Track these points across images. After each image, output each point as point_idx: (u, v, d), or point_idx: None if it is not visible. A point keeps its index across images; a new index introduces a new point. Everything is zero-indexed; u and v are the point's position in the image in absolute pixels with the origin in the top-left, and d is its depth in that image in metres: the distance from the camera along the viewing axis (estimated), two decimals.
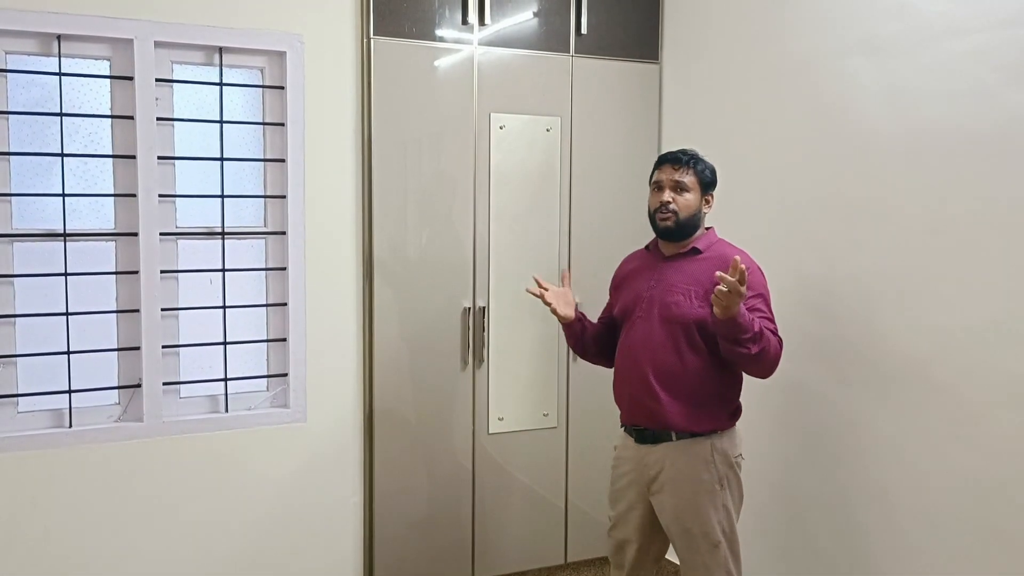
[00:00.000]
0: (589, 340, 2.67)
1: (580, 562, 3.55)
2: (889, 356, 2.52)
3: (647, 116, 3.53)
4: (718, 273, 2.11)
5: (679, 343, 2.39)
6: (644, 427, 2.47)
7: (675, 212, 2.42)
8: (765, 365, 2.31)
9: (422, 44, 3.12)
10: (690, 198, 2.43)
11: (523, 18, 3.29)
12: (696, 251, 2.45)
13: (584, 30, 3.37)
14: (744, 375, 2.47)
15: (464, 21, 3.18)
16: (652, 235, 2.57)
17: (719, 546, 2.40)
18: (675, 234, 2.46)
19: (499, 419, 3.36)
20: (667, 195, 2.43)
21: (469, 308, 3.27)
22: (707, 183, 2.46)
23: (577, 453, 3.50)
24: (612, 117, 3.47)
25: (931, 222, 2.38)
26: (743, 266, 2.09)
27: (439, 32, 3.15)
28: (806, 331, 2.80)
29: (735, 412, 2.48)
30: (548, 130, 3.36)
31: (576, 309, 2.65)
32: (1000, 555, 2.23)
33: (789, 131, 2.89)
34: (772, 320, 2.38)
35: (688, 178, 2.43)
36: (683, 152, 2.47)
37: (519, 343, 3.37)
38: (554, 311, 2.59)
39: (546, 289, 2.61)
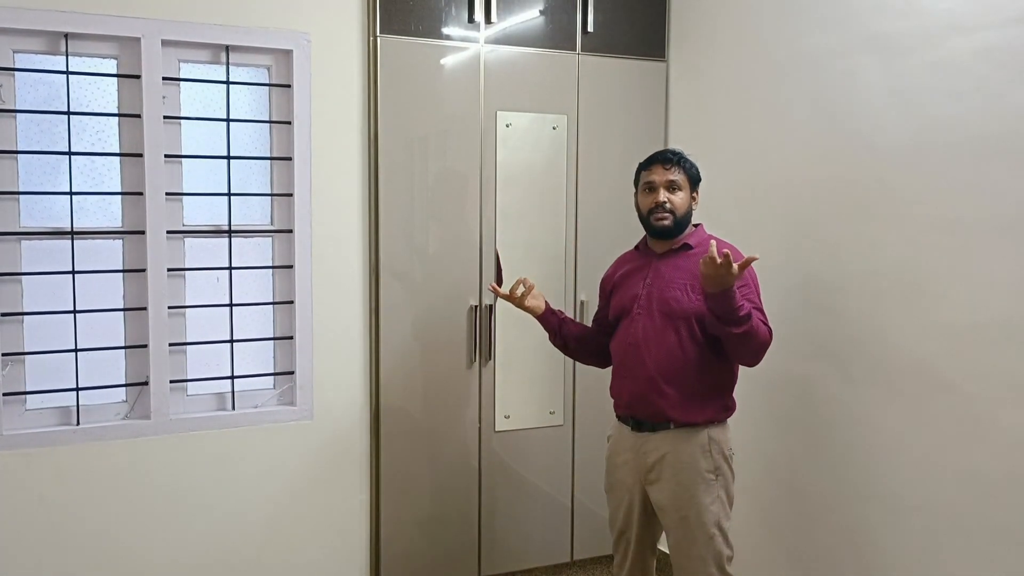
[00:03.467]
0: (569, 337, 2.75)
1: (586, 560, 3.56)
2: (896, 354, 2.52)
3: (654, 114, 3.53)
4: (712, 248, 2.15)
5: (681, 336, 2.43)
6: (643, 419, 2.50)
7: (672, 212, 2.48)
8: (753, 348, 2.33)
9: (428, 42, 3.12)
10: (683, 196, 2.50)
11: (529, 16, 3.28)
12: (688, 247, 2.51)
13: (591, 28, 3.37)
14: (740, 369, 2.53)
15: (471, 19, 3.18)
16: None
17: (714, 538, 2.42)
18: (672, 232, 2.51)
19: (505, 417, 3.36)
20: (663, 195, 2.49)
21: (475, 306, 3.27)
22: (695, 180, 2.55)
23: (583, 451, 3.50)
24: (619, 115, 3.46)
25: (937, 220, 2.38)
26: (726, 251, 2.12)
27: (445, 30, 3.15)
28: (813, 329, 2.80)
29: (729, 406, 2.53)
30: (554, 128, 3.36)
31: (547, 304, 2.76)
32: (1007, 553, 2.22)
33: (795, 129, 2.88)
34: (761, 310, 2.41)
35: (679, 176, 2.50)
36: (671, 152, 2.55)
37: (525, 341, 3.37)
38: (522, 306, 2.70)
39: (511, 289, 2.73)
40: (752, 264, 2.39)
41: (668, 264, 2.51)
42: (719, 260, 2.11)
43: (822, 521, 2.79)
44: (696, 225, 2.58)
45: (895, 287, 2.51)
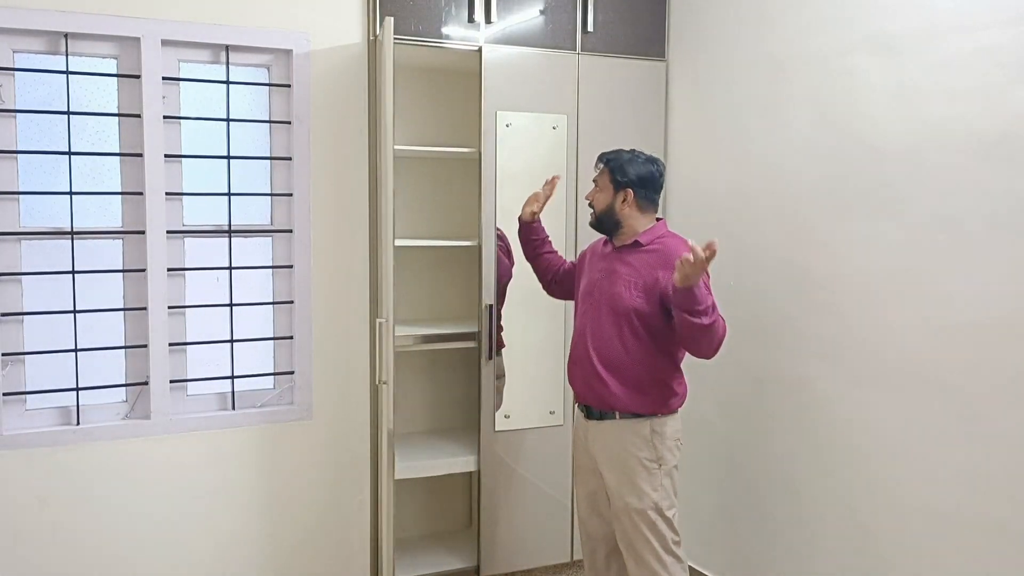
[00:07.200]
0: (542, 258, 2.88)
1: None
2: (894, 354, 2.51)
3: (654, 114, 3.52)
4: (691, 243, 2.18)
5: (622, 331, 2.52)
6: (591, 407, 2.60)
7: (592, 208, 2.66)
8: (712, 340, 2.37)
9: (428, 42, 3.12)
10: (600, 196, 2.63)
11: (529, 16, 3.28)
12: (638, 244, 2.58)
13: (591, 27, 3.36)
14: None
15: (471, 19, 3.18)
16: None
17: (656, 523, 2.50)
18: (596, 227, 2.67)
19: (505, 417, 3.36)
20: (589, 192, 2.67)
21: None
22: (619, 182, 2.59)
23: None
24: (619, 115, 3.46)
25: (937, 220, 2.38)
26: (715, 248, 2.15)
27: (445, 30, 3.15)
28: (811, 328, 2.80)
29: (673, 398, 2.57)
30: (554, 128, 3.36)
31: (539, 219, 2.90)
32: (1005, 551, 2.22)
33: (796, 129, 2.88)
34: (714, 304, 2.43)
35: (600, 177, 2.64)
36: (605, 153, 2.64)
37: (526, 341, 3.36)
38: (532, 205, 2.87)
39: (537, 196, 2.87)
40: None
41: (620, 259, 2.60)
42: (703, 256, 2.13)
43: (821, 521, 2.79)
44: (658, 220, 2.63)
45: (894, 286, 2.51)
